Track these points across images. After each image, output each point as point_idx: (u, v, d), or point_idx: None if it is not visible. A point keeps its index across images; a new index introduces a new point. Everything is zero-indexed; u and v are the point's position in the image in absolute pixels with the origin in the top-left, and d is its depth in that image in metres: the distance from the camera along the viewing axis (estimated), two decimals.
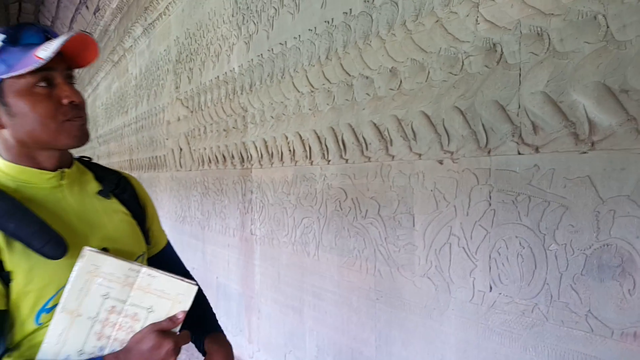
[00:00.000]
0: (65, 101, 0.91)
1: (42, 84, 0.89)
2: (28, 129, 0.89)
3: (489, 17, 1.60)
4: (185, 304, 0.89)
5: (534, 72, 1.46)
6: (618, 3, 1.25)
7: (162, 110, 5.14)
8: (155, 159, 5.50)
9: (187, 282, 0.90)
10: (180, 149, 4.67)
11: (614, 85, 1.28)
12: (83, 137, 0.94)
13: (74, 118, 0.92)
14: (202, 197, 4.24)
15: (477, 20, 1.65)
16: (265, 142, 3.09)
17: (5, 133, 0.92)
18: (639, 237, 1.24)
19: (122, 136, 7.13)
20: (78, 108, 0.93)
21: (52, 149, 0.94)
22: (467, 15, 1.67)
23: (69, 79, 0.94)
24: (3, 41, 0.87)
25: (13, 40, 0.88)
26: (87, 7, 8.06)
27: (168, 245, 1.23)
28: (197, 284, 0.90)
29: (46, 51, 0.85)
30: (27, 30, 0.89)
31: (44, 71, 0.88)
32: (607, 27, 1.28)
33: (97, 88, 8.98)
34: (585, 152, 1.35)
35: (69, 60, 0.94)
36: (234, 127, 3.51)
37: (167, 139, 5.06)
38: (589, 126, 1.34)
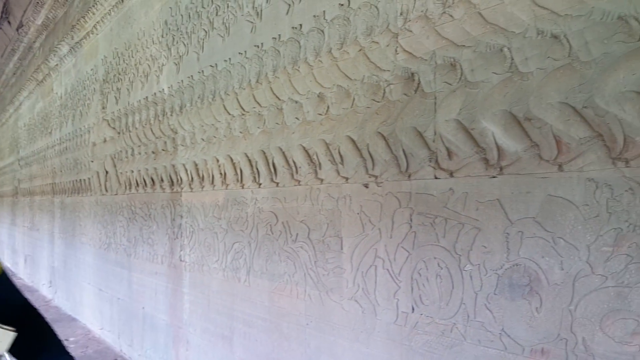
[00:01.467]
0: None
1: None
2: None
3: (407, 47, 1.68)
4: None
5: (447, 101, 1.54)
6: (520, 37, 1.36)
7: (88, 131, 4.93)
8: (80, 182, 5.24)
9: (3, 328, 0.88)
10: (106, 172, 4.48)
11: (519, 114, 1.37)
12: None
13: None
14: (128, 222, 4.07)
15: (396, 50, 1.72)
16: (196, 165, 3.03)
17: None
18: (544, 257, 1.32)
19: (45, 158, 6.75)
20: None
21: None
22: (388, 45, 1.75)
23: None
24: None
25: None
26: (9, 22, 7.65)
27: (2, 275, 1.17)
28: (15, 330, 0.87)
29: None
30: None
31: None
32: (512, 59, 1.38)
33: (20, 108, 8.48)
34: (494, 177, 1.43)
35: None
36: (163, 150, 3.42)
37: (92, 161, 4.84)
38: (498, 152, 1.43)
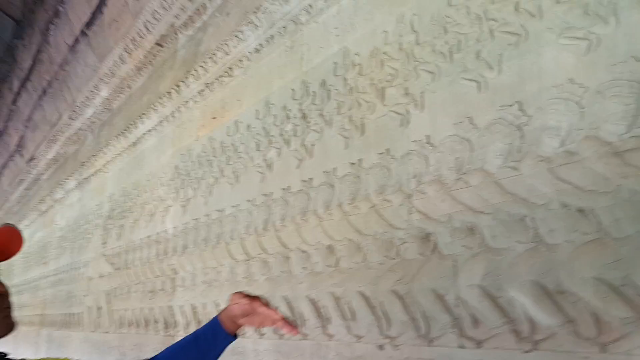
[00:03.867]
0: None
1: None
2: None
3: (421, 208, 1.69)
4: None
5: (469, 265, 1.51)
6: (544, 209, 1.36)
7: (85, 264, 4.84)
8: (70, 316, 5.03)
9: None
10: (99, 308, 4.31)
11: (549, 285, 1.32)
12: (9, 327, 0.95)
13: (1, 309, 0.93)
14: None
15: (410, 210, 1.73)
16: (194, 308, 2.90)
17: None
18: None
19: (37, 288, 6.55)
20: (3, 297, 0.94)
21: None
22: (401, 205, 1.76)
23: None
24: None
25: None
26: (21, 154, 7.94)
27: None
28: None
29: None
30: None
31: None
32: (536, 229, 1.37)
33: None
34: (528, 351, 1.33)
35: None
36: (161, 289, 3.31)
37: (85, 296, 4.67)
38: (529, 324, 1.35)
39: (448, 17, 1.75)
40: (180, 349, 1.17)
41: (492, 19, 1.61)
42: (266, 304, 1.14)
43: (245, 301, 1.13)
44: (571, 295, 1.28)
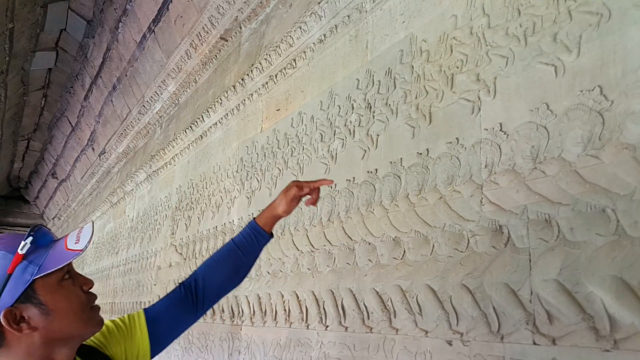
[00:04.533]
0: (85, 288, 0.94)
1: (67, 277, 0.92)
2: (65, 323, 0.90)
3: (494, 199, 1.63)
4: None
5: (545, 259, 1.43)
6: (627, 200, 1.27)
7: (155, 254, 5.06)
8: (140, 304, 5.27)
9: None
10: None
11: (632, 281, 1.23)
12: (102, 321, 0.97)
13: (94, 304, 0.96)
14: (183, 352, 3.95)
15: (481, 202, 1.67)
16: (259, 298, 2.97)
17: (35, 336, 0.88)
18: None
19: (108, 277, 6.93)
20: (92, 294, 0.97)
21: (76, 342, 0.95)
22: (472, 196, 1.70)
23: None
24: (31, 243, 0.89)
25: (37, 242, 0.90)
26: (93, 148, 8.42)
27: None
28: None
29: (78, 243, 0.90)
30: (40, 231, 0.92)
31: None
32: (618, 221, 1.28)
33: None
34: (608, 350, 1.25)
35: None
36: None
37: (154, 285, 4.89)
38: (610, 322, 1.27)
39: None
40: (223, 257, 1.30)
41: None
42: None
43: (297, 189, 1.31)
44: None
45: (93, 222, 0.96)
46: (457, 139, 1.82)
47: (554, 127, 1.49)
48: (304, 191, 1.30)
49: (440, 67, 1.95)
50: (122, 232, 6.66)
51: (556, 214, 1.43)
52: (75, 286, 0.93)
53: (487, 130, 1.70)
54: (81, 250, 0.90)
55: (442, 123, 1.91)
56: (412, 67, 2.10)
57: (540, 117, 1.53)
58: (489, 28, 1.77)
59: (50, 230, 0.96)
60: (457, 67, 1.87)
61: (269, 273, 2.89)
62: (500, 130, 1.65)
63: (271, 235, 1.33)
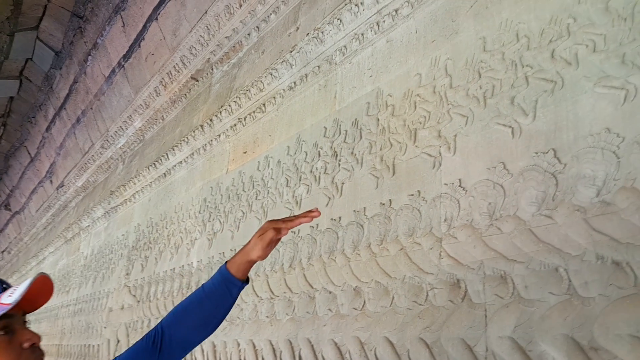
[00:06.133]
0: (26, 345, 0.90)
1: (1, 332, 0.88)
2: None
3: (452, 253, 1.66)
4: None
5: (500, 315, 1.46)
6: (578, 260, 1.31)
7: (107, 295, 4.85)
8: (88, 347, 5.00)
9: None
10: (118, 341, 4.28)
11: (582, 341, 1.26)
12: None
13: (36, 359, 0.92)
14: None
15: (440, 255, 1.69)
16: (214, 347, 2.87)
17: None
18: None
19: (57, 317, 6.57)
20: (36, 347, 0.93)
21: None
22: (431, 249, 1.73)
23: (25, 324, 0.93)
24: None
25: None
26: (51, 181, 8.16)
27: None
28: None
29: (11, 297, 0.86)
30: None
31: (2, 319, 0.87)
32: (570, 281, 1.32)
33: (43, 262, 8.56)
34: None
35: (24, 305, 0.92)
36: None
37: (105, 327, 4.66)
38: None
39: (482, 62, 1.76)
40: (191, 306, 1.14)
41: (528, 65, 1.61)
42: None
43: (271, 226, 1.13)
44: (605, 352, 1.22)
45: (43, 274, 0.92)
46: (418, 191, 1.86)
47: (510, 186, 1.55)
48: (281, 234, 1.13)
49: (405, 122, 2.02)
50: (75, 270, 6.38)
51: (511, 270, 1.46)
52: (13, 343, 0.88)
53: (447, 185, 1.75)
54: (9, 304, 0.86)
55: (405, 175, 1.95)
56: (378, 119, 2.16)
57: (497, 176, 1.59)
58: (451, 88, 1.85)
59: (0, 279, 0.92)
60: (420, 123, 1.94)
61: (225, 320, 2.81)
62: (460, 186, 1.70)
63: (246, 282, 1.16)
